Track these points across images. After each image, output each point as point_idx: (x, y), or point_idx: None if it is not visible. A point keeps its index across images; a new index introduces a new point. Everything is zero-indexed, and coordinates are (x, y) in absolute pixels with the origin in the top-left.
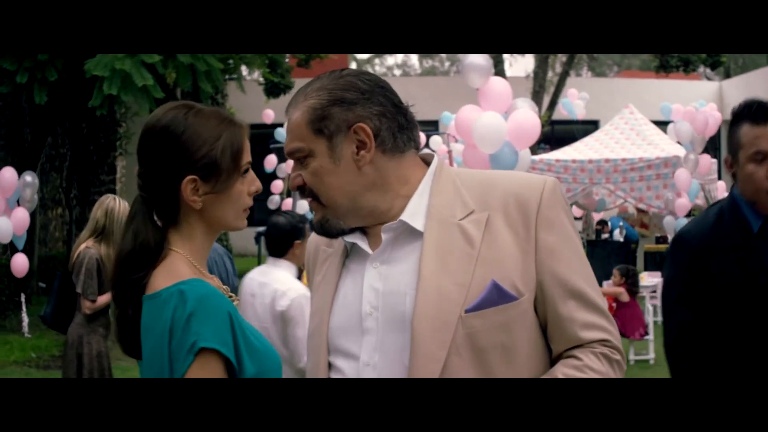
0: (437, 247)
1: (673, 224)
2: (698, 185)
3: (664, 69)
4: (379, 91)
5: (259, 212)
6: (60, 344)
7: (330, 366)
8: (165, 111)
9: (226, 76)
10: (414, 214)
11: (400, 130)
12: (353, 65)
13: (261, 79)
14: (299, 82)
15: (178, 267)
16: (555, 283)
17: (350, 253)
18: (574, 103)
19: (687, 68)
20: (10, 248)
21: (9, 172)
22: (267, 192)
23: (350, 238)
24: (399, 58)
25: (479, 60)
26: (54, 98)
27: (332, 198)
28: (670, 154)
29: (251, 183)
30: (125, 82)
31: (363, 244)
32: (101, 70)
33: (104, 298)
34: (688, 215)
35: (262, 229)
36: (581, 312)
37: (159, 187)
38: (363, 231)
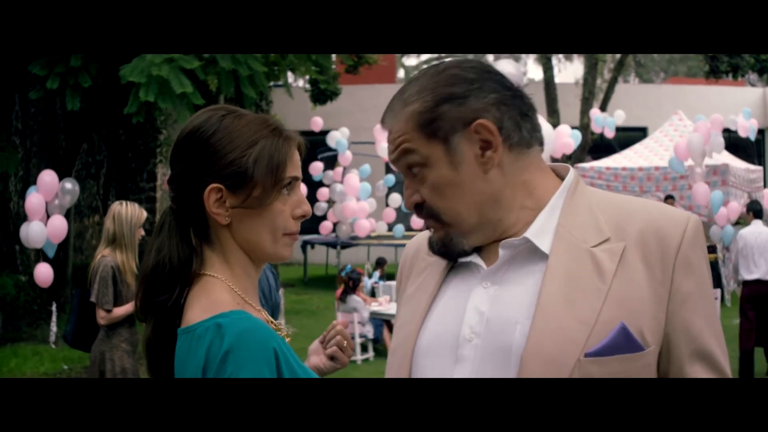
0: (563, 274)
1: (719, 233)
2: (721, 195)
3: (714, 74)
4: (488, 77)
5: (306, 220)
6: None
7: None
8: (201, 113)
9: (272, 83)
10: (541, 232)
11: (522, 117)
12: (401, 72)
13: (307, 86)
14: (346, 89)
15: (218, 296)
16: (685, 339)
17: (453, 268)
18: (610, 117)
19: (736, 74)
20: (43, 257)
21: (50, 175)
22: (314, 199)
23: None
24: None
25: (509, 67)
26: (89, 105)
27: (456, 214)
28: (719, 162)
29: (297, 204)
30: (163, 89)
31: (476, 258)
32: (137, 76)
33: (121, 310)
34: (736, 224)
35: (309, 237)
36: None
37: (186, 196)
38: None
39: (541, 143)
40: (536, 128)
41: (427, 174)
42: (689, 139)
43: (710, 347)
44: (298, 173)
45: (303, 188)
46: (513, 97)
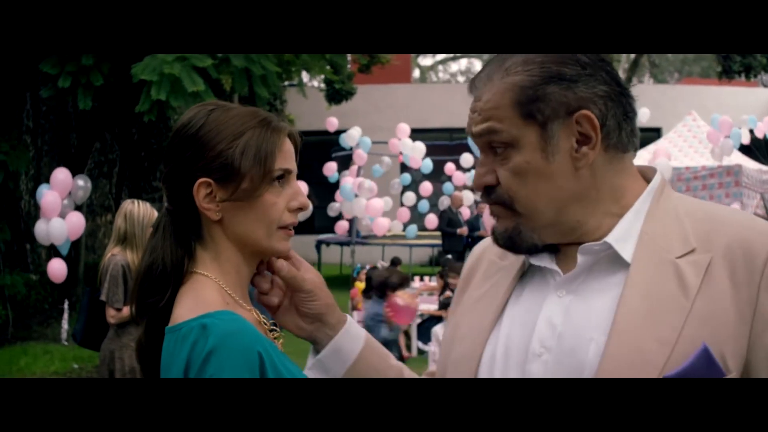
0: (644, 287)
1: None
2: None
3: (726, 75)
4: (602, 65)
5: (319, 219)
6: None
7: None
8: (191, 109)
9: (286, 83)
10: (624, 237)
11: (625, 118)
12: (416, 72)
13: (322, 86)
14: (361, 89)
15: (206, 295)
16: (766, 369)
17: (528, 271)
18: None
19: (749, 74)
20: (55, 254)
21: (63, 173)
22: (329, 199)
23: (535, 259)
24: (463, 64)
25: None
26: (101, 103)
27: (533, 205)
28: (733, 163)
29: (292, 197)
30: (175, 87)
31: (550, 264)
32: (149, 74)
33: None
34: None
35: (323, 236)
36: None
37: (177, 194)
38: (552, 248)
39: (636, 148)
40: (635, 132)
41: (513, 156)
42: (657, 165)
43: None
44: (291, 165)
45: (304, 185)
46: (621, 95)
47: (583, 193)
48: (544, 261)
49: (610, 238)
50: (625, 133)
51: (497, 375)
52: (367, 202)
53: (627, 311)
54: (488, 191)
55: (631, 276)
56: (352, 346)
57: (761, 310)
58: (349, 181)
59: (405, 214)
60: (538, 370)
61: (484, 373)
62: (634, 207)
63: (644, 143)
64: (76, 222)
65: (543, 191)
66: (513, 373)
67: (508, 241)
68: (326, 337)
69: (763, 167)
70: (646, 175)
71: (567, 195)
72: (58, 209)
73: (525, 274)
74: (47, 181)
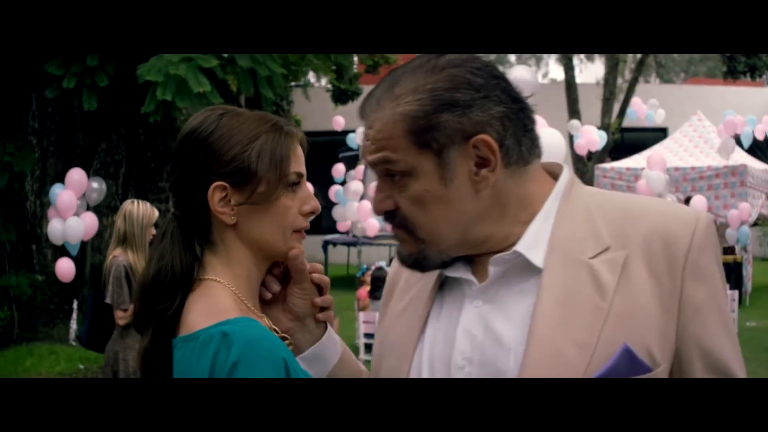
0: (559, 292)
1: (734, 235)
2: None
3: (731, 75)
4: (496, 83)
5: (326, 220)
6: None
7: None
8: (199, 113)
9: (292, 83)
10: (533, 244)
11: (524, 133)
12: None
13: (329, 86)
14: (368, 89)
15: (220, 301)
16: (697, 354)
17: (446, 282)
18: (655, 112)
19: (753, 74)
20: (60, 254)
21: (78, 174)
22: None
23: (450, 270)
24: None
25: (524, 73)
26: (107, 104)
27: (437, 231)
28: (738, 163)
29: (304, 201)
30: (181, 88)
31: (465, 273)
32: (155, 75)
33: None
34: (754, 224)
35: (330, 237)
36: None
37: (188, 199)
38: (467, 257)
39: (539, 156)
40: (535, 143)
41: (411, 184)
42: (648, 176)
43: (726, 360)
44: (302, 169)
45: (309, 186)
46: (518, 111)
47: (486, 211)
48: (459, 271)
49: (519, 247)
50: (526, 147)
51: None
52: (358, 204)
53: (543, 317)
54: (390, 215)
55: (544, 281)
56: (334, 349)
57: (687, 299)
58: (339, 186)
59: None
60: None
61: None
62: (542, 211)
63: (651, 143)
64: (90, 222)
65: (444, 217)
66: None
67: (415, 264)
68: (303, 339)
69: None
70: (555, 172)
71: (470, 217)
72: (74, 209)
73: (443, 284)
74: (53, 181)
